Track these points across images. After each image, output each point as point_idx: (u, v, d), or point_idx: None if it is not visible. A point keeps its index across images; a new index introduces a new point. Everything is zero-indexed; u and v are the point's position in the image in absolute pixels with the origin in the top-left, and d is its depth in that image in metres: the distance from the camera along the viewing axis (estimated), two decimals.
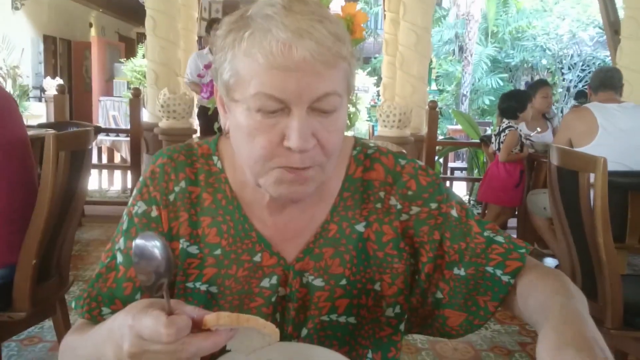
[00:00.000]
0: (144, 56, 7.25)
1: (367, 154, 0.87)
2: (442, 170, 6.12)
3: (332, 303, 0.83)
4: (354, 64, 0.75)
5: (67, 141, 1.75)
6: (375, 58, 14.63)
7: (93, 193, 5.70)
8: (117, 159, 6.67)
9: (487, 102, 13.26)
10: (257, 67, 0.69)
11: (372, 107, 11.24)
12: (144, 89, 5.68)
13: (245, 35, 0.70)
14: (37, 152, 2.80)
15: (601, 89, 3.07)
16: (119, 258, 0.82)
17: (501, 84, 13.43)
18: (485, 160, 5.10)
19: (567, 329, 0.62)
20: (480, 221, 0.87)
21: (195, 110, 5.22)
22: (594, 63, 12.78)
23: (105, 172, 6.22)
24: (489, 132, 5.75)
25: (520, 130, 3.83)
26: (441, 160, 6.15)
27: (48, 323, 2.38)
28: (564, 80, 13.45)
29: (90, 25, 13.19)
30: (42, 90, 9.86)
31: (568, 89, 13.12)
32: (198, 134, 5.15)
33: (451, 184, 5.50)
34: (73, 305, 0.83)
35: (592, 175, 1.76)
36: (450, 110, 12.41)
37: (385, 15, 6.07)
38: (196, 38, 6.28)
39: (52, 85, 8.39)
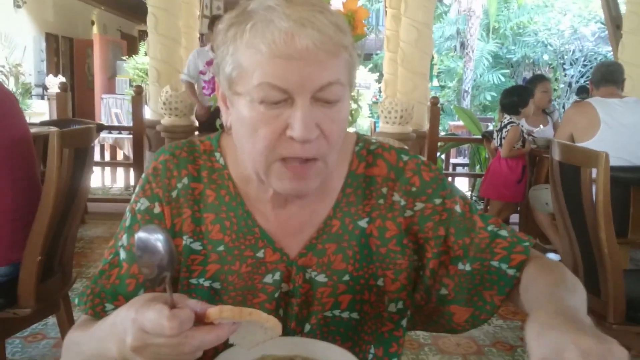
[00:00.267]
0: (146, 54, 7.25)
1: (370, 149, 0.87)
2: (443, 167, 6.11)
3: (335, 299, 0.83)
4: (355, 55, 0.75)
5: (71, 138, 1.76)
6: (376, 54, 14.59)
7: (96, 190, 5.72)
8: (119, 156, 6.68)
9: (489, 98, 13.23)
10: (260, 57, 0.69)
11: (374, 104, 11.24)
12: (146, 87, 5.68)
13: (247, 28, 0.70)
14: (39, 149, 2.81)
15: (603, 84, 3.06)
16: (122, 255, 0.82)
17: (503, 79, 13.40)
18: (487, 156, 5.09)
19: (554, 316, 0.61)
20: (484, 215, 0.87)
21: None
22: (595, 58, 12.73)
23: (108, 169, 6.24)
24: (490, 128, 5.75)
25: (522, 126, 3.83)
26: (443, 156, 6.15)
27: (52, 320, 2.39)
28: (565, 75, 13.41)
29: (93, 23, 13.19)
30: (45, 88, 9.87)
31: (570, 85, 13.09)
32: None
33: (453, 180, 5.49)
34: (76, 301, 0.84)
35: (594, 171, 1.76)
36: (451, 107, 12.37)
37: (386, 11, 6.05)
38: (198, 35, 6.27)
39: (54, 83, 8.41)
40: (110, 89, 11.30)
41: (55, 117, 6.31)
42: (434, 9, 5.77)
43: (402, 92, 5.22)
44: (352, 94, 0.82)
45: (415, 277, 0.87)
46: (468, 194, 5.98)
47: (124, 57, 11.64)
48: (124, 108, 9.02)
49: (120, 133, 6.46)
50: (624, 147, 2.74)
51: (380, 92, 10.41)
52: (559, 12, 13.61)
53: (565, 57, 13.42)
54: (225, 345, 0.67)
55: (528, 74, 13.41)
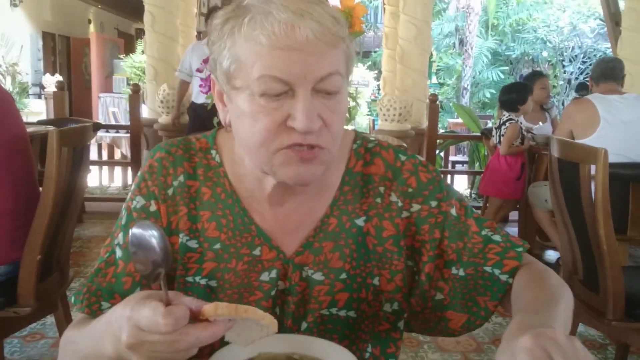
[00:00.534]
0: (143, 52, 7.24)
1: (368, 147, 0.87)
2: (443, 164, 6.11)
3: (332, 297, 0.83)
4: (352, 47, 0.75)
5: (69, 137, 1.76)
6: (375, 52, 14.60)
7: (94, 190, 5.71)
8: (117, 155, 6.66)
9: (488, 95, 13.24)
10: (260, 49, 0.69)
11: (373, 101, 11.23)
12: (144, 85, 5.68)
13: (245, 21, 0.70)
14: (36, 149, 2.80)
15: (602, 80, 3.06)
16: (118, 253, 0.82)
17: (502, 76, 13.41)
18: (486, 153, 5.09)
19: (531, 321, 0.62)
20: (479, 219, 0.87)
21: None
22: (595, 55, 12.74)
23: (105, 168, 6.22)
24: (489, 125, 5.74)
25: (521, 123, 3.82)
26: (442, 153, 6.15)
27: (50, 319, 2.39)
28: (564, 72, 13.43)
29: (89, 21, 13.18)
30: (42, 87, 9.86)
31: (569, 81, 13.10)
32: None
33: (452, 178, 5.49)
34: (72, 300, 0.83)
35: (593, 167, 1.76)
36: (450, 104, 12.39)
37: (385, 8, 6.04)
38: (195, 33, 6.27)
39: (51, 82, 8.40)
40: (108, 87, 11.28)
41: (52, 116, 6.32)
42: (433, 6, 5.77)
43: (400, 90, 5.22)
44: (351, 91, 0.81)
45: (411, 281, 0.87)
46: (467, 191, 5.98)
47: (121, 56, 11.61)
48: (121, 107, 9.01)
49: (117, 132, 6.45)
50: (623, 144, 2.74)
51: (378, 89, 10.39)
52: (558, 9, 13.63)
53: (565, 53, 13.43)
54: (221, 342, 0.67)
55: (527, 71, 13.41)
